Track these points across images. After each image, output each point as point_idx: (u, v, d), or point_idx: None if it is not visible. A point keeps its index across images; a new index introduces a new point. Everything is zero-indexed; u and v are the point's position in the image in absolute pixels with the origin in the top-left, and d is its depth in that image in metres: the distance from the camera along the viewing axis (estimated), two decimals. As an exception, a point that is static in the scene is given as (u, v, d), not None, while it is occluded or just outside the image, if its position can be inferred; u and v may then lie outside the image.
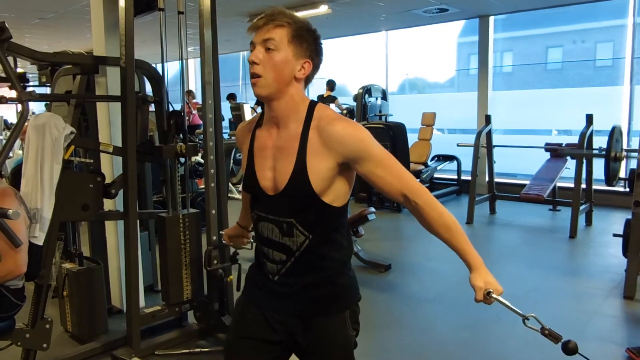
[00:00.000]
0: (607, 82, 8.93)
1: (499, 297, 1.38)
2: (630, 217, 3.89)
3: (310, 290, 1.45)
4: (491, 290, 1.38)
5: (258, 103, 9.40)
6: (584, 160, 5.64)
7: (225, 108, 9.89)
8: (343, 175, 1.40)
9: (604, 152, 4.38)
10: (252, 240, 1.76)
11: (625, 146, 7.04)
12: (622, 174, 4.90)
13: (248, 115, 9.48)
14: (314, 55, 1.40)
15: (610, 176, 4.10)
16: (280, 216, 1.42)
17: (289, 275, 1.45)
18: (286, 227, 1.42)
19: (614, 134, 4.07)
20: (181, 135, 3.10)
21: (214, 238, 2.95)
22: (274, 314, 1.49)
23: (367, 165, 1.36)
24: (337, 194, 1.40)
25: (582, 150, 5.49)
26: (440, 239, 1.42)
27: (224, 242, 1.90)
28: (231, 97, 10.74)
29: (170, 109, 3.16)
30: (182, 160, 3.20)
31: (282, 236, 1.43)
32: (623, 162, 4.73)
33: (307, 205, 1.39)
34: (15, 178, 4.22)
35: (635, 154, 4.67)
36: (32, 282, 2.63)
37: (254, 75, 1.36)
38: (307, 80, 1.43)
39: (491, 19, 8.05)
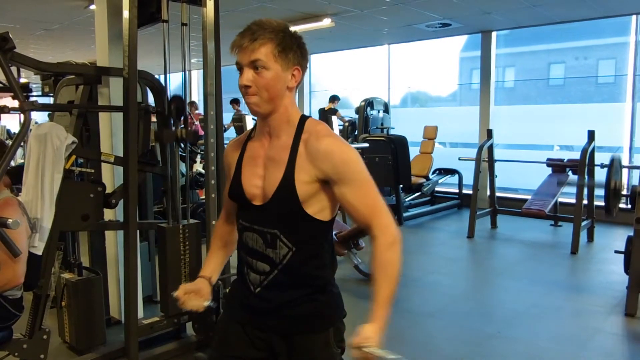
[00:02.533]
0: (609, 98, 8.94)
1: (373, 351, 1.30)
2: (631, 234, 3.88)
3: (292, 307, 1.43)
4: (367, 345, 1.30)
5: None
6: (586, 176, 5.63)
7: (227, 118, 9.92)
8: (327, 191, 1.39)
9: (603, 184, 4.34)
10: (209, 304, 1.54)
11: (627, 163, 7.06)
12: (624, 190, 4.89)
13: (250, 127, 9.49)
14: (301, 60, 1.40)
15: (611, 206, 4.08)
16: (265, 227, 1.42)
17: (270, 288, 1.43)
18: (270, 238, 1.41)
19: (613, 164, 4.06)
20: (182, 120, 3.07)
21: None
22: (256, 331, 1.47)
23: (345, 188, 1.36)
24: (322, 207, 1.40)
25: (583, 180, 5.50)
26: (373, 279, 1.40)
27: (178, 304, 1.59)
28: (235, 101, 10.73)
29: (172, 120, 3.17)
30: (182, 145, 3.14)
31: (265, 247, 1.42)
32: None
33: (293, 216, 1.38)
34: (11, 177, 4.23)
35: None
36: (30, 292, 2.62)
37: (249, 97, 1.36)
38: (297, 85, 1.44)
39: (494, 34, 8.09)
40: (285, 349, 1.45)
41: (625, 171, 6.77)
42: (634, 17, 7.10)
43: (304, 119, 1.43)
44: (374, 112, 8.44)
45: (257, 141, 1.48)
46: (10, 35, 2.37)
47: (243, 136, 1.56)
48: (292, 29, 1.39)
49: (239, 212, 1.51)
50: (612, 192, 4.03)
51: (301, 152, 1.37)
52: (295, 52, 1.37)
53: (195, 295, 1.56)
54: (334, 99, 9.33)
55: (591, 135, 5.81)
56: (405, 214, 7.12)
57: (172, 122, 3.11)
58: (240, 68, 1.37)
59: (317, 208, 1.39)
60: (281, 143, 1.40)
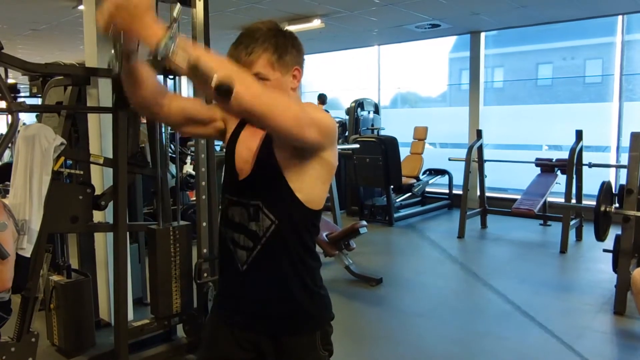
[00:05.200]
0: (596, 98, 9.03)
1: None
2: (619, 232, 3.92)
3: (278, 304, 1.43)
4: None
5: None
6: (574, 176, 5.68)
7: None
8: (309, 164, 1.37)
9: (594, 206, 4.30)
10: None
11: (614, 162, 7.13)
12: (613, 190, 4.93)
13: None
14: (299, 59, 1.41)
15: (600, 231, 4.12)
16: (249, 199, 1.41)
17: (256, 265, 1.41)
18: (252, 210, 1.40)
19: (603, 189, 4.10)
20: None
21: (205, 251, 2.93)
22: (243, 332, 1.46)
23: None
24: (308, 190, 1.39)
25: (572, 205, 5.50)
26: None
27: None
28: None
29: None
30: (172, 147, 3.11)
31: (249, 221, 1.41)
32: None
33: (274, 186, 1.37)
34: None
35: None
36: (18, 295, 2.59)
37: None
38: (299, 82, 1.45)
39: (482, 35, 8.14)
40: (272, 350, 1.44)
41: (613, 170, 6.86)
42: (620, 17, 7.18)
43: None
44: (364, 113, 8.45)
45: None
46: (-3, 36, 2.35)
47: None
48: (282, 26, 1.40)
49: (225, 187, 1.51)
50: (602, 215, 4.06)
51: None
52: (291, 53, 1.38)
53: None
54: (321, 97, 9.29)
55: (579, 134, 5.86)
56: (395, 215, 7.14)
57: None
58: None
59: (301, 185, 1.37)
60: None
